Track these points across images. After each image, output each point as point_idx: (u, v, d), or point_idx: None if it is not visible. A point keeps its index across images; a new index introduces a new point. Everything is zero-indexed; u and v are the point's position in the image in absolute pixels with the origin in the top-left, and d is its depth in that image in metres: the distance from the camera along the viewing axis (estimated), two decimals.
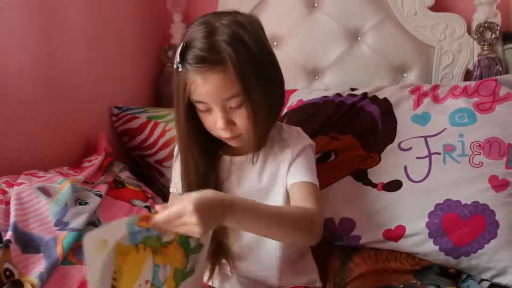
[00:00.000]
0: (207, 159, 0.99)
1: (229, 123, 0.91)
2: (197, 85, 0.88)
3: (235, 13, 0.93)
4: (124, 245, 0.73)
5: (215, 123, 0.92)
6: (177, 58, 0.89)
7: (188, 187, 0.99)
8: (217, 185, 1.01)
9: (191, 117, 0.95)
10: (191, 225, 0.71)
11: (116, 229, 0.74)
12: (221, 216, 0.75)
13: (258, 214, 0.81)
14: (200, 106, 0.92)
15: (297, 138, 1.02)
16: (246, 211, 0.79)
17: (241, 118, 0.91)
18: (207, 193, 0.75)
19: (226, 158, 1.02)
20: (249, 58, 0.88)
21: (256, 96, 0.89)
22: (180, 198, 0.75)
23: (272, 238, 0.90)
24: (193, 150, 0.97)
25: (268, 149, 1.01)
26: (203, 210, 0.71)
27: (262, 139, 0.98)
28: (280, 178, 0.99)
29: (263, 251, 1.01)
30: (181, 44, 0.89)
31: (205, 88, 0.88)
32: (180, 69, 0.89)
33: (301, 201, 0.93)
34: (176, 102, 0.94)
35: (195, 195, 0.73)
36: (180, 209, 0.71)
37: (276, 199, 0.99)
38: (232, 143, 0.97)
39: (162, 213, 0.73)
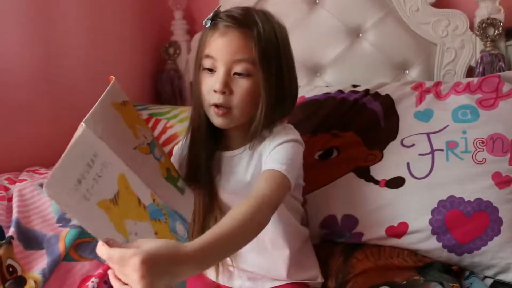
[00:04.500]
0: (208, 151, 0.98)
1: (226, 86, 0.91)
2: (216, 37, 0.91)
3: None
4: None
5: (213, 84, 0.91)
6: (210, 15, 0.92)
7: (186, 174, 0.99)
8: (211, 181, 0.99)
9: None
10: (131, 280, 0.62)
11: None
12: (171, 276, 0.64)
13: (217, 248, 0.70)
14: (206, 63, 0.92)
15: (284, 133, 0.97)
16: (204, 257, 0.68)
17: (240, 88, 0.91)
18: (162, 248, 0.64)
19: (217, 154, 1.01)
20: (274, 43, 0.93)
21: (267, 77, 0.91)
22: (135, 243, 0.65)
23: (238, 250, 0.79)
24: (203, 127, 0.97)
25: (258, 144, 0.99)
26: (150, 269, 0.61)
27: (257, 128, 0.94)
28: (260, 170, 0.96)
29: (266, 249, 1.01)
30: (218, 7, 0.94)
31: (222, 40, 0.90)
32: (208, 25, 0.92)
33: (260, 185, 0.85)
34: (194, 65, 0.96)
35: (149, 248, 0.62)
36: (125, 258, 0.61)
37: None
38: (219, 121, 0.93)
39: (110, 250, 0.63)
